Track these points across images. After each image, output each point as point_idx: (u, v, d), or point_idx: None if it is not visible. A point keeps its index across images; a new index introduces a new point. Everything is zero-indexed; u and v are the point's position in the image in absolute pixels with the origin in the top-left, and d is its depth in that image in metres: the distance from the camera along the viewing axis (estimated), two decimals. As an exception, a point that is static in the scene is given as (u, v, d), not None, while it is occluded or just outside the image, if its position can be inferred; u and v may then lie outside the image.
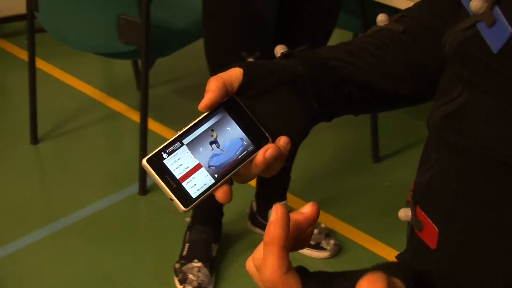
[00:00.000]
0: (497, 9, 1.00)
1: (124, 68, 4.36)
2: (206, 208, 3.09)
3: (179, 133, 1.04)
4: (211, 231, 3.17)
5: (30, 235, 3.26)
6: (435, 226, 1.11)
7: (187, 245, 3.13)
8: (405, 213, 1.18)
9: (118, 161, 3.81)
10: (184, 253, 3.11)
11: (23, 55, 4.31)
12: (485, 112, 1.05)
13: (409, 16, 1.31)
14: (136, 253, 3.21)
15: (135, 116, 3.70)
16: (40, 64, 4.19)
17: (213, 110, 1.08)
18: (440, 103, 1.13)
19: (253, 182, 2.92)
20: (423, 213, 1.14)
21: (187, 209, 1.01)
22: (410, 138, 3.84)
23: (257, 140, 1.09)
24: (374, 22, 1.33)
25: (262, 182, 3.25)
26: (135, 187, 3.51)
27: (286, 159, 1.11)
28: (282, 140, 1.09)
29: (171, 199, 1.00)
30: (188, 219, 3.16)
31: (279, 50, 1.22)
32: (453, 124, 1.10)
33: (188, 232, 3.16)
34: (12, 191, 3.55)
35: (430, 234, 1.13)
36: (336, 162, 3.76)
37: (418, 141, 3.72)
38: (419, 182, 1.18)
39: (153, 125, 3.81)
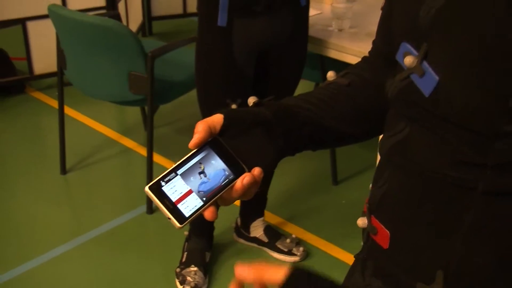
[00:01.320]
0: (425, 63, 1.03)
1: (134, 112, 4.36)
2: (200, 224, 3.10)
3: (174, 165, 1.08)
4: (205, 242, 3.21)
5: (59, 247, 3.30)
6: (387, 230, 1.16)
7: (185, 253, 3.16)
8: (362, 221, 1.24)
9: (130, 187, 3.81)
10: (183, 260, 3.13)
11: (54, 103, 4.35)
12: (423, 141, 1.08)
13: (352, 72, 1.34)
14: (146, 260, 3.23)
15: (143, 151, 3.70)
16: (68, 110, 4.21)
17: (200, 147, 1.12)
18: (389, 134, 1.18)
19: (237, 202, 2.94)
20: (377, 220, 1.19)
21: (182, 225, 1.04)
22: (361, 165, 3.86)
23: (236, 170, 1.12)
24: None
25: (244, 202, 3.26)
26: (143, 208, 3.54)
27: (262, 184, 1.14)
28: (256, 171, 1.13)
29: (169, 218, 1.04)
30: (186, 233, 3.19)
31: (251, 100, 1.25)
32: (400, 151, 1.14)
33: (186, 243, 3.20)
34: (46, 211, 3.57)
35: (383, 237, 1.17)
36: (303, 185, 3.78)
37: (368, 167, 3.76)
38: (374, 196, 1.22)
39: (158, 158, 3.83)
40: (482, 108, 0.96)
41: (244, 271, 1.03)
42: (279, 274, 1.00)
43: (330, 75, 1.34)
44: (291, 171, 3.77)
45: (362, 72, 1.33)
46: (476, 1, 0.96)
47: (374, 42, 1.21)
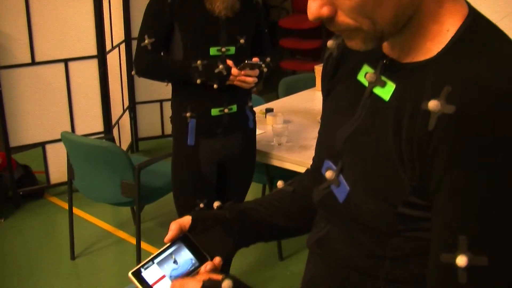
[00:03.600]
0: (341, 176, 1.02)
1: (125, 211, 4.31)
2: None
3: (152, 256, 1.07)
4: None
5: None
6: None
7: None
8: None
9: (123, 270, 3.69)
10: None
11: (65, 205, 4.28)
12: (339, 237, 1.06)
13: (296, 181, 1.33)
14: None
15: (134, 241, 3.61)
16: (75, 210, 4.14)
17: (173, 241, 1.10)
18: (314, 231, 1.16)
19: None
20: None
21: None
22: (302, 242, 3.79)
23: (201, 259, 1.09)
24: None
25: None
26: (133, 286, 3.39)
27: (222, 268, 1.11)
28: (217, 260, 1.10)
29: None
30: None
31: (216, 204, 1.24)
32: (321, 245, 1.11)
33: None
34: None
35: None
36: (254, 261, 3.69)
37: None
38: (304, 278, 1.19)
39: (145, 246, 3.73)
40: (380, 212, 0.94)
41: None
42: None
43: (279, 184, 1.33)
44: (244, 251, 3.64)
45: (304, 181, 1.31)
46: (373, 131, 0.96)
47: (313, 159, 1.20)
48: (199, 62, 2.58)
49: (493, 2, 4.79)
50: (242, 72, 2.62)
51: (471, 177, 0.81)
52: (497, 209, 0.81)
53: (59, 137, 3.46)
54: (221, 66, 2.58)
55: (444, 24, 0.91)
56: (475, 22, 0.91)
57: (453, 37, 0.89)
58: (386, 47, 0.99)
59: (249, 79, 2.64)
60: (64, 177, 4.04)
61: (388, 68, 0.98)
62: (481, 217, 0.82)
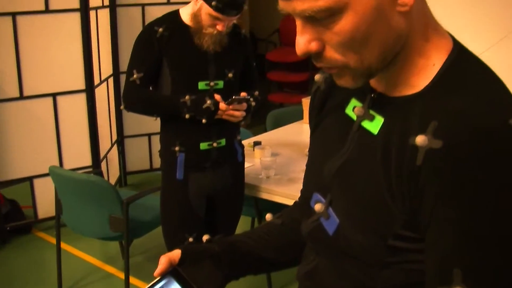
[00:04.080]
0: (330, 209, 1.02)
1: (114, 245, 4.27)
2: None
3: None
4: None
5: None
6: None
7: None
8: None
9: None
10: None
11: (53, 240, 4.21)
12: (328, 270, 1.06)
13: (285, 214, 1.33)
14: None
15: (122, 276, 3.57)
16: (63, 245, 4.06)
17: (163, 275, 1.09)
18: (303, 264, 1.16)
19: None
20: None
21: None
22: (292, 276, 3.77)
23: None
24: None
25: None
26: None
27: None
28: None
29: None
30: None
31: (205, 237, 1.23)
32: (310, 277, 1.11)
33: None
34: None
35: None
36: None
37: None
38: None
39: (134, 281, 3.69)
40: (370, 245, 0.94)
41: None
42: None
43: (268, 216, 1.33)
44: (234, 284, 3.61)
45: (292, 214, 1.31)
46: (362, 165, 0.97)
47: (301, 191, 1.21)
48: (187, 97, 2.59)
49: (493, 22, 4.86)
50: (230, 107, 2.63)
51: (461, 210, 0.82)
52: (489, 240, 0.82)
53: (47, 171, 3.44)
54: (208, 102, 2.59)
55: (430, 58, 0.93)
56: (460, 56, 0.93)
57: (439, 72, 0.91)
58: (373, 81, 1.00)
59: (237, 113, 2.66)
60: (52, 212, 3.99)
61: (376, 102, 0.99)
62: (473, 250, 0.83)
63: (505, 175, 0.80)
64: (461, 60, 0.93)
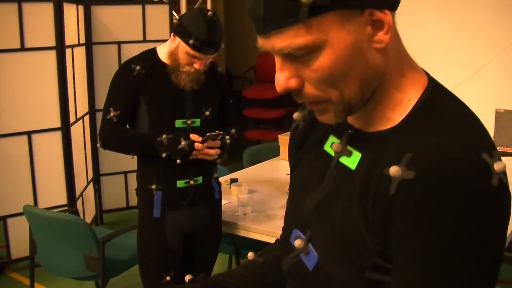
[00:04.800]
0: (310, 245, 1.03)
1: (89, 285, 4.17)
2: None
3: None
4: None
5: None
6: None
7: None
8: None
9: None
10: None
11: (26, 281, 4.15)
12: None
13: (267, 252, 1.34)
14: None
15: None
16: (37, 286, 4.01)
17: None
18: None
19: None
20: None
21: None
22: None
23: None
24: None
25: None
26: None
27: None
28: None
29: None
30: None
31: (187, 278, 1.22)
32: None
33: None
34: None
35: None
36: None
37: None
38: None
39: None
40: (349, 278, 0.96)
41: None
42: None
43: (250, 255, 1.33)
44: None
45: (274, 251, 1.31)
46: (340, 200, 0.99)
47: (282, 229, 1.21)
48: (164, 136, 2.59)
49: (493, 34, 4.96)
50: (205, 145, 2.63)
51: (427, 239, 0.84)
52: (455, 269, 0.83)
53: (21, 210, 3.40)
54: (183, 143, 2.59)
55: (406, 93, 0.95)
56: (434, 92, 0.95)
57: (414, 107, 0.94)
58: (350, 117, 1.02)
59: (212, 152, 2.67)
60: (25, 252, 3.94)
61: (354, 138, 1.01)
62: (441, 277, 0.84)
63: (473, 207, 0.83)
64: (436, 95, 0.95)
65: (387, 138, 0.94)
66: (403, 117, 0.95)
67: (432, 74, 1.01)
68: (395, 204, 0.87)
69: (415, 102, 0.95)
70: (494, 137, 4.22)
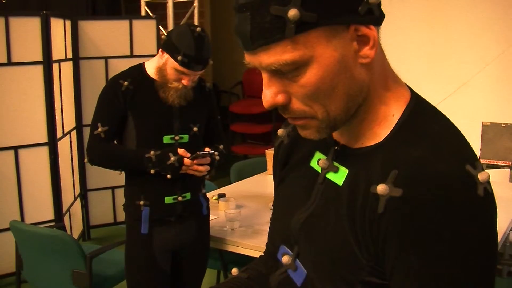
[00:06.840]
0: (297, 261, 1.03)
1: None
2: None
3: None
4: None
5: None
6: None
7: None
8: None
9: None
10: None
11: (12, 298, 4.11)
12: None
13: (251, 268, 1.35)
14: None
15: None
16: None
17: None
18: None
19: None
20: None
21: None
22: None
23: None
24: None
25: None
26: None
27: None
28: None
29: None
30: None
31: None
32: None
33: None
34: None
35: None
36: None
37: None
38: None
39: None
40: None
41: None
42: None
43: (234, 271, 1.33)
44: None
45: (258, 267, 1.31)
46: (329, 215, 1.01)
47: (267, 245, 1.21)
48: (152, 152, 2.59)
49: (493, 37, 5.00)
50: (195, 161, 2.64)
51: (423, 256, 0.85)
52: (453, 281, 0.84)
53: (7, 226, 3.38)
54: (172, 158, 2.60)
55: (390, 107, 0.97)
56: (417, 106, 0.97)
57: (398, 122, 0.95)
58: (336, 133, 1.03)
59: (202, 168, 2.67)
60: (12, 268, 3.91)
61: (340, 154, 1.02)
62: None
63: (463, 221, 0.84)
64: (418, 109, 0.97)
65: (373, 155, 0.96)
66: (387, 133, 0.96)
67: (419, 88, 1.03)
68: (384, 223, 0.88)
69: (398, 117, 0.96)
70: (480, 149, 4.25)
